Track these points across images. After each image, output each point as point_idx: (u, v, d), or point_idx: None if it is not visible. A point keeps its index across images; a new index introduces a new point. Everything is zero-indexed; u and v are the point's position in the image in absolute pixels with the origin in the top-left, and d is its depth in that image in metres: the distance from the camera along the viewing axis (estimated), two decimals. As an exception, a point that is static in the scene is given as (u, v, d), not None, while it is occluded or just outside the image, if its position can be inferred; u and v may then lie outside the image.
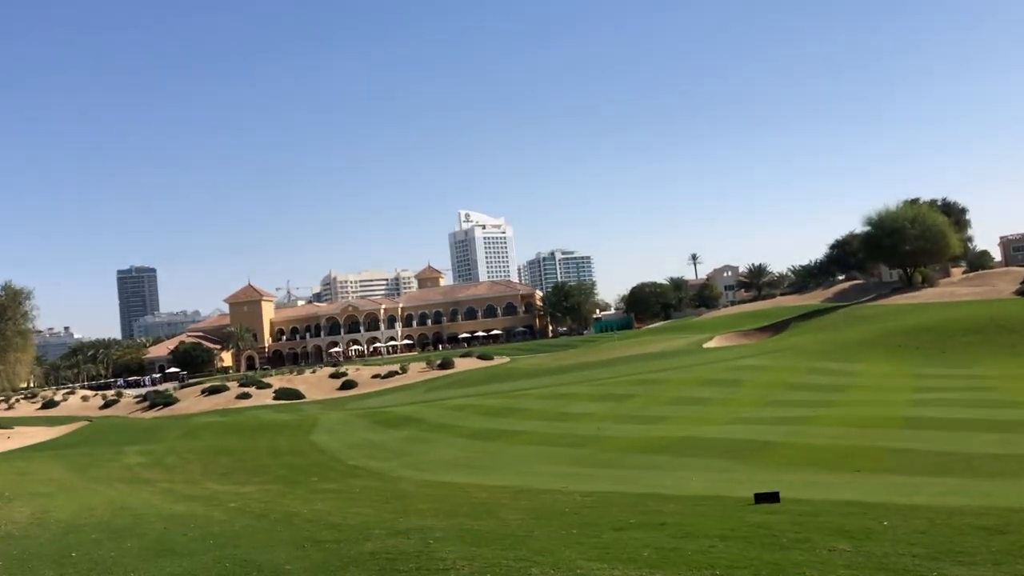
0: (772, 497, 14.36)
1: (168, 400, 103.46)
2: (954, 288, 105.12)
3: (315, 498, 19.47)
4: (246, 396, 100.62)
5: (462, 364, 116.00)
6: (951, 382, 44.33)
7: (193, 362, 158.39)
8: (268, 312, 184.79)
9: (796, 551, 9.97)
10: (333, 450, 38.42)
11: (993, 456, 19.72)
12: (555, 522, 13.31)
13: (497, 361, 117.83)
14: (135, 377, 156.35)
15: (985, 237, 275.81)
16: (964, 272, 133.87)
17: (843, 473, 19.25)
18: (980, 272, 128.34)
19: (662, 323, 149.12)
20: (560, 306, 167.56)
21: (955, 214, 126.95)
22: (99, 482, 28.46)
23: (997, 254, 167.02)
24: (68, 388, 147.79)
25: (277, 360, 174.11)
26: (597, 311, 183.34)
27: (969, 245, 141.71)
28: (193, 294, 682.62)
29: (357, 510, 16.20)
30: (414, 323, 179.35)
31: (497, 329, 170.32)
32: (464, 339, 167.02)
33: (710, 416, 37.15)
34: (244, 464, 34.93)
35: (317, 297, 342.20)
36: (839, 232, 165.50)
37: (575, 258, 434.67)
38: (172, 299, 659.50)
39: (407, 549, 11.09)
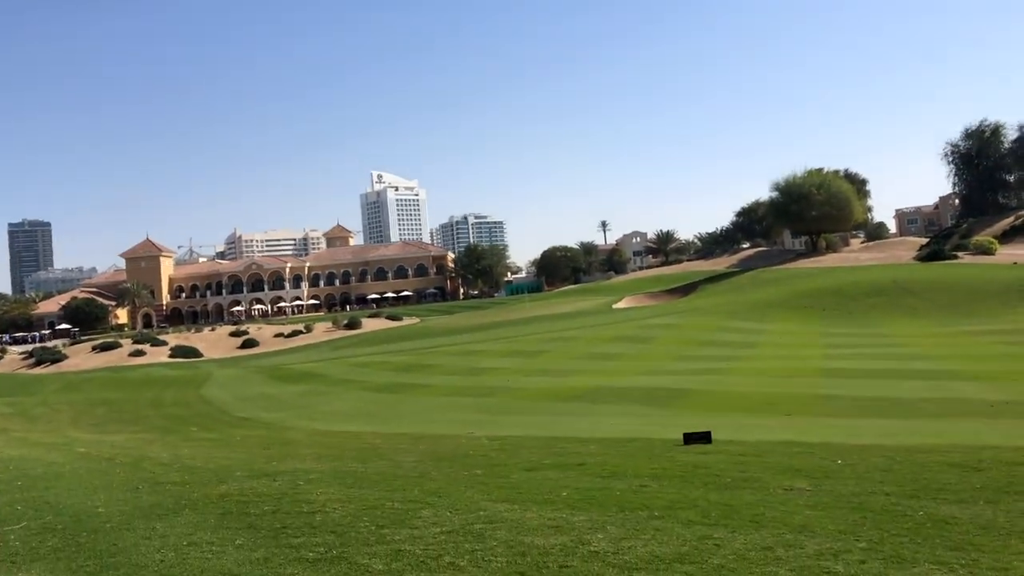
0: (704, 437, 12.75)
1: (56, 357, 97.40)
2: (857, 254, 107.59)
3: (185, 445, 17.08)
4: (140, 353, 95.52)
5: (370, 324, 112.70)
6: (858, 339, 44.38)
7: (86, 319, 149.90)
8: (167, 268, 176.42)
9: (746, 491, 8.31)
10: (222, 402, 35.64)
11: (926, 400, 18.75)
12: (457, 464, 11.40)
13: (407, 322, 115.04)
14: (22, 333, 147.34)
15: (879, 211, 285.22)
16: (862, 242, 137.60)
17: (773, 417, 17.93)
18: (879, 241, 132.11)
19: (572, 286, 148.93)
20: (472, 268, 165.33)
21: (857, 184, 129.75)
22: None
23: (892, 226, 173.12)
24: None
25: (176, 318, 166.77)
26: (509, 274, 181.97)
27: (869, 215, 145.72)
28: (91, 251, 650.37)
29: (226, 455, 13.96)
30: (321, 283, 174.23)
31: (408, 291, 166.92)
32: (373, 300, 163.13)
33: (623, 369, 35.95)
34: (121, 415, 31.95)
35: (221, 256, 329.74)
36: (745, 200, 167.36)
37: (488, 222, 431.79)
38: (68, 256, 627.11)
39: (268, 491, 8.97)
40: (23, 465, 12.36)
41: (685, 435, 12.95)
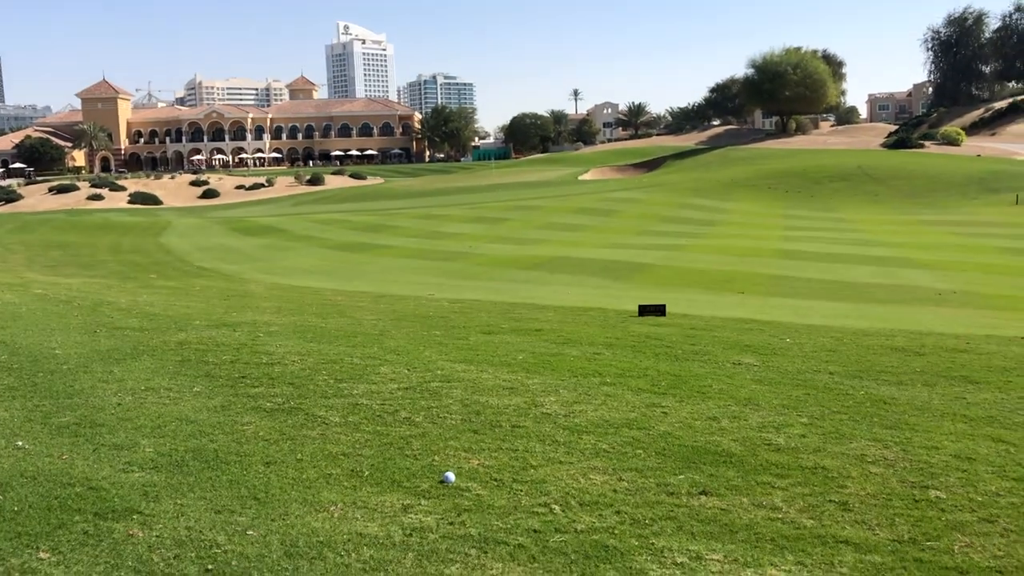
0: (658, 310, 13.01)
1: (11, 196, 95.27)
2: (825, 137, 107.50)
3: (144, 292, 17.03)
4: (98, 198, 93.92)
5: (333, 182, 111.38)
6: (819, 223, 44.96)
7: (41, 159, 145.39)
8: (125, 112, 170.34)
9: (695, 363, 8.55)
10: (182, 252, 35.36)
11: (878, 285, 19.25)
12: (416, 324, 11.54)
13: (370, 181, 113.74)
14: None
15: (853, 95, 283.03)
16: (832, 126, 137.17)
17: (727, 294, 18.32)
18: (848, 126, 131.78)
19: (540, 155, 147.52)
20: (439, 130, 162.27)
21: (834, 66, 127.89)
22: None
23: (864, 111, 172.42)
24: None
25: (134, 163, 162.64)
26: (476, 139, 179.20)
27: (842, 99, 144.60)
28: (44, 89, 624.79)
29: (186, 304, 13.95)
30: (284, 136, 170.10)
31: (372, 149, 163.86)
32: (336, 157, 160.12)
33: (584, 240, 36.22)
34: (78, 259, 31.60)
35: (180, 101, 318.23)
36: (721, 76, 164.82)
37: (457, 84, 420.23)
38: (20, 91, 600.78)
39: (227, 341, 9.03)
40: (-23, 304, 12.27)
41: (640, 307, 13.20)
